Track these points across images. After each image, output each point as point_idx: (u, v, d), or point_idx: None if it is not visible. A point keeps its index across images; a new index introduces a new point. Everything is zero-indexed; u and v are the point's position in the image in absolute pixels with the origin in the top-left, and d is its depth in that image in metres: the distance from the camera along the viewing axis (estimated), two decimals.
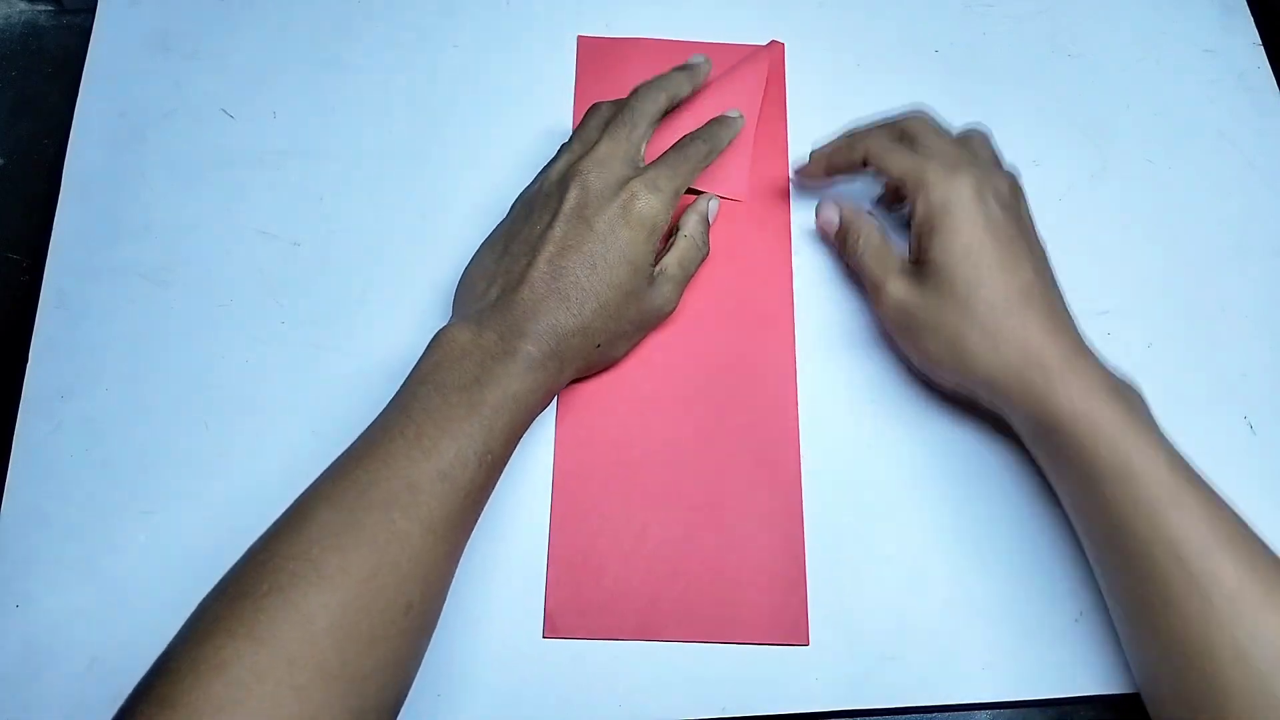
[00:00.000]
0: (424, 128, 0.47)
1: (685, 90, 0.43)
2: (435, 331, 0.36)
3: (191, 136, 0.46)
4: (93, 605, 0.38)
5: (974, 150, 0.41)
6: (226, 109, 0.47)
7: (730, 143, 0.43)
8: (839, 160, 0.43)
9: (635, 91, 0.42)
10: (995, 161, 0.42)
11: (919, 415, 0.43)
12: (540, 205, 0.39)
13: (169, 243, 0.44)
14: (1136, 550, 0.34)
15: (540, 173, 0.42)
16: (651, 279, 0.39)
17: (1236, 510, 0.34)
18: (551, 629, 0.38)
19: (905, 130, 0.42)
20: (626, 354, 0.42)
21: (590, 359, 0.39)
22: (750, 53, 0.48)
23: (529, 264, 0.37)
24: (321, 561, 0.29)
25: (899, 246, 0.42)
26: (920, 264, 0.39)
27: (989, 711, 0.39)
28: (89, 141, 0.46)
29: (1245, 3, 0.53)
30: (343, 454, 0.33)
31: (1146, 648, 0.35)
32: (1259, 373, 0.44)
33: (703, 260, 0.42)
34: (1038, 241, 0.40)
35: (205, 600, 0.30)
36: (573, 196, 0.38)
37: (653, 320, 0.41)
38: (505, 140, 0.47)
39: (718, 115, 0.44)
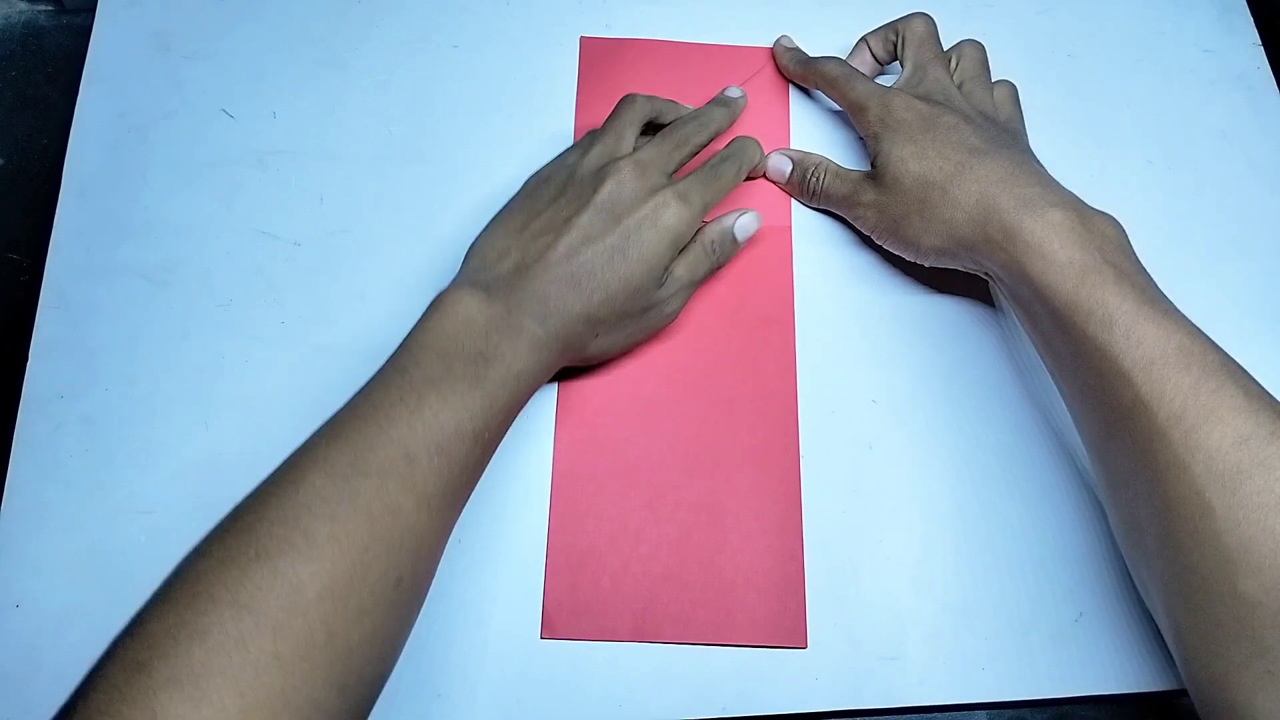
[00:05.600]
0: (425, 128, 0.47)
1: (725, 127, 0.45)
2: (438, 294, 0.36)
3: (191, 136, 0.46)
4: (93, 605, 0.38)
5: (958, 57, 0.45)
6: (226, 109, 0.47)
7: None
8: (804, 75, 0.48)
9: (691, 120, 0.43)
10: (979, 73, 0.45)
11: (919, 416, 0.43)
12: (572, 191, 0.39)
13: (169, 243, 0.44)
14: (1094, 382, 0.34)
15: (566, 155, 0.42)
16: (660, 280, 0.39)
17: (1202, 334, 0.34)
18: (549, 629, 0.38)
19: (894, 33, 0.46)
20: (619, 355, 0.42)
21: (587, 349, 0.39)
22: (768, 65, 0.49)
23: (549, 245, 0.37)
24: (312, 529, 0.28)
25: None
26: (875, 168, 0.42)
27: (988, 711, 0.39)
28: (89, 141, 0.46)
29: (1245, 3, 0.53)
30: (339, 411, 0.33)
31: (1111, 485, 0.36)
32: (1259, 372, 0.44)
33: (712, 271, 0.42)
34: (992, 123, 0.42)
35: (186, 562, 0.29)
36: (607, 190, 0.38)
37: (653, 323, 0.41)
38: (506, 141, 0.47)
39: (748, 136, 0.45)
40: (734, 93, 0.46)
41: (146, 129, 0.46)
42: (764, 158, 0.46)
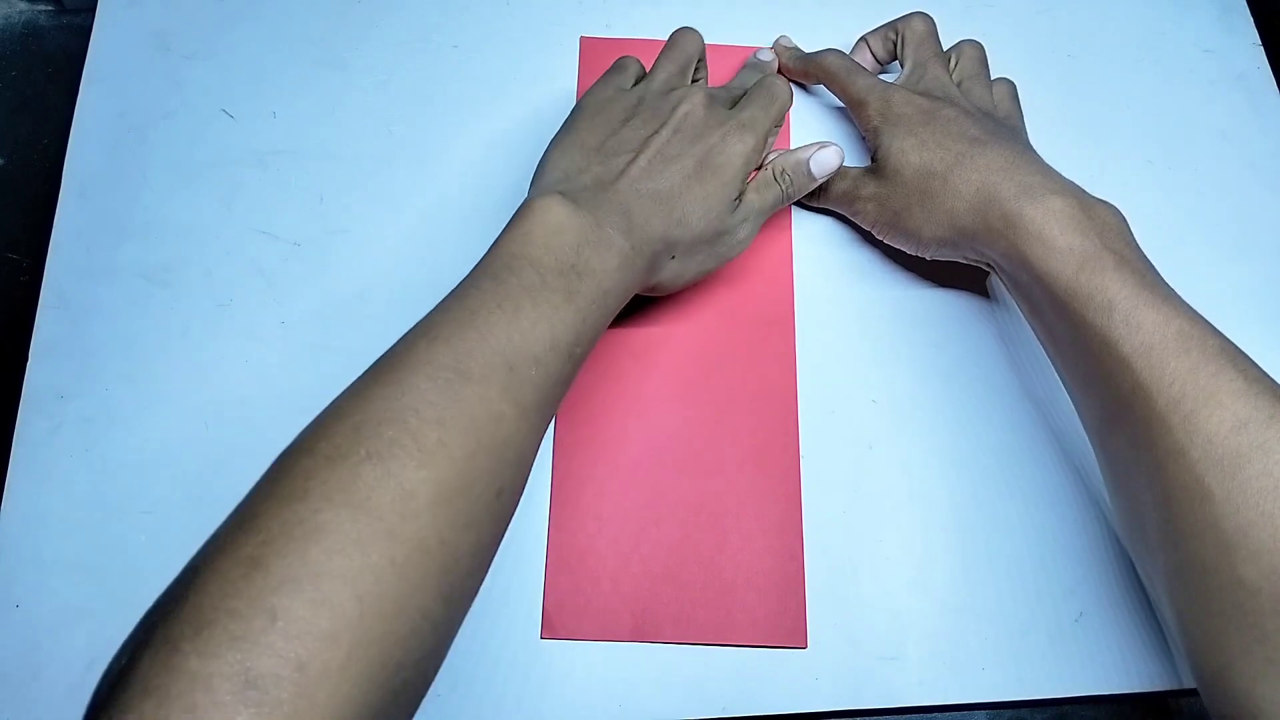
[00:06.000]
0: (425, 128, 0.47)
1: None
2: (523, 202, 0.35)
3: (191, 136, 0.46)
4: (93, 605, 0.38)
5: (957, 55, 0.45)
6: (226, 109, 0.47)
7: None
8: (805, 71, 0.48)
9: (741, 76, 0.46)
10: (978, 71, 0.45)
11: (919, 416, 0.43)
12: (647, 112, 0.40)
13: (169, 243, 0.44)
14: (1094, 370, 0.35)
15: (618, 78, 0.42)
16: (733, 204, 0.39)
17: (1203, 319, 0.34)
18: (549, 629, 0.38)
19: (894, 32, 0.47)
20: (691, 280, 0.41)
21: (661, 273, 0.39)
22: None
23: (630, 162, 0.37)
24: (420, 433, 0.28)
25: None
26: (876, 161, 0.43)
27: (988, 711, 0.39)
28: (89, 141, 0.46)
29: (1245, 3, 0.53)
30: (432, 313, 0.32)
31: (1113, 474, 0.36)
32: None
33: (782, 201, 0.42)
34: (991, 118, 0.42)
35: (289, 457, 0.28)
36: (682, 111, 0.39)
37: (724, 250, 0.40)
38: (506, 141, 0.47)
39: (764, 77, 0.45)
40: (765, 55, 0.48)
41: (146, 129, 0.46)
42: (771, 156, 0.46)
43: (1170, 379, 0.32)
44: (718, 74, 0.48)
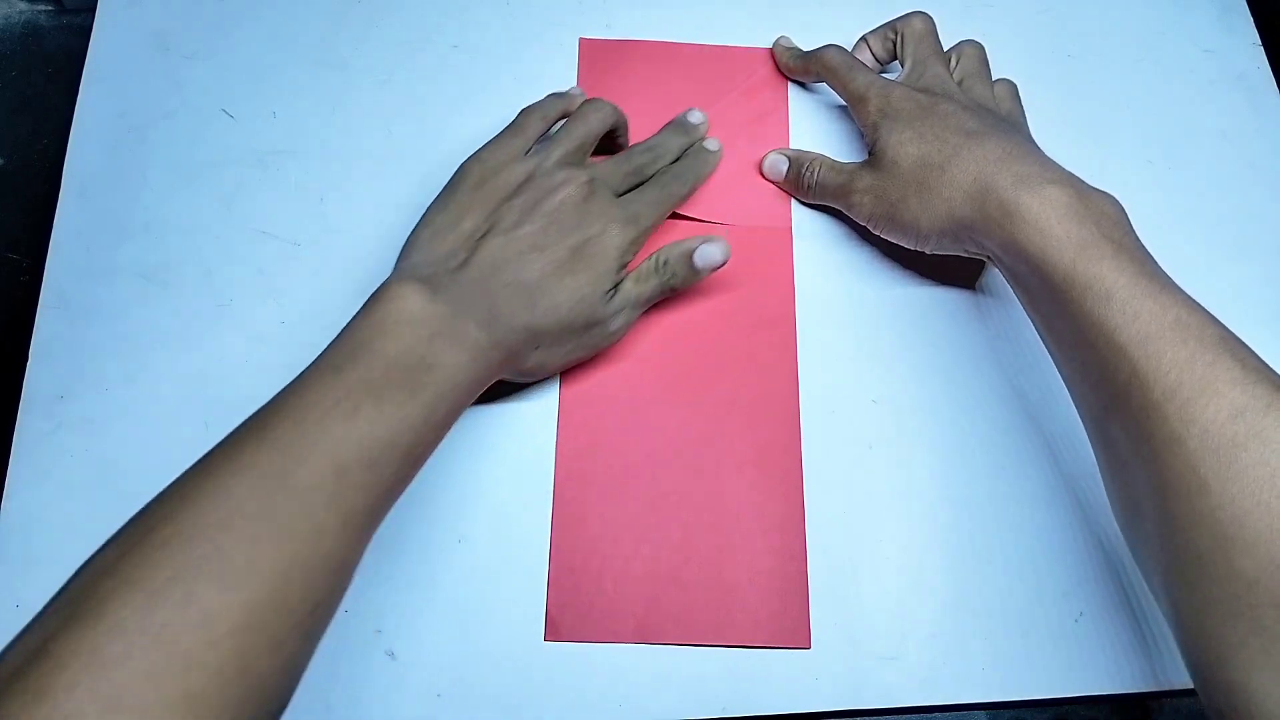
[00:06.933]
0: (424, 128, 0.47)
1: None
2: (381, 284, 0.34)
3: (191, 136, 0.46)
4: None
5: (958, 55, 0.45)
6: (226, 109, 0.47)
7: (711, 170, 0.45)
8: (805, 68, 0.48)
9: (647, 150, 0.43)
10: (979, 70, 0.45)
11: (921, 416, 0.43)
12: (526, 196, 0.38)
13: (169, 243, 0.44)
14: (1092, 359, 0.34)
15: (507, 141, 0.41)
16: (606, 296, 0.39)
17: (1201, 308, 0.34)
18: (553, 632, 0.38)
19: (894, 32, 0.47)
20: (558, 370, 0.41)
21: (525, 362, 0.38)
22: (767, 65, 0.49)
23: (499, 248, 0.36)
24: (231, 551, 0.27)
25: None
26: (873, 155, 0.42)
27: (988, 711, 0.39)
28: (89, 141, 0.46)
29: (1245, 3, 0.53)
30: (266, 408, 0.31)
31: (1110, 465, 0.35)
32: None
33: (662, 292, 0.41)
34: (992, 114, 0.42)
35: (91, 574, 0.26)
36: (560, 198, 0.38)
37: (596, 341, 0.40)
38: None
39: (697, 146, 0.45)
40: (695, 118, 0.46)
41: (146, 129, 0.46)
42: (768, 156, 0.46)
43: (1167, 368, 0.32)
44: (718, 74, 0.48)
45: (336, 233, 0.45)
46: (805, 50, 0.48)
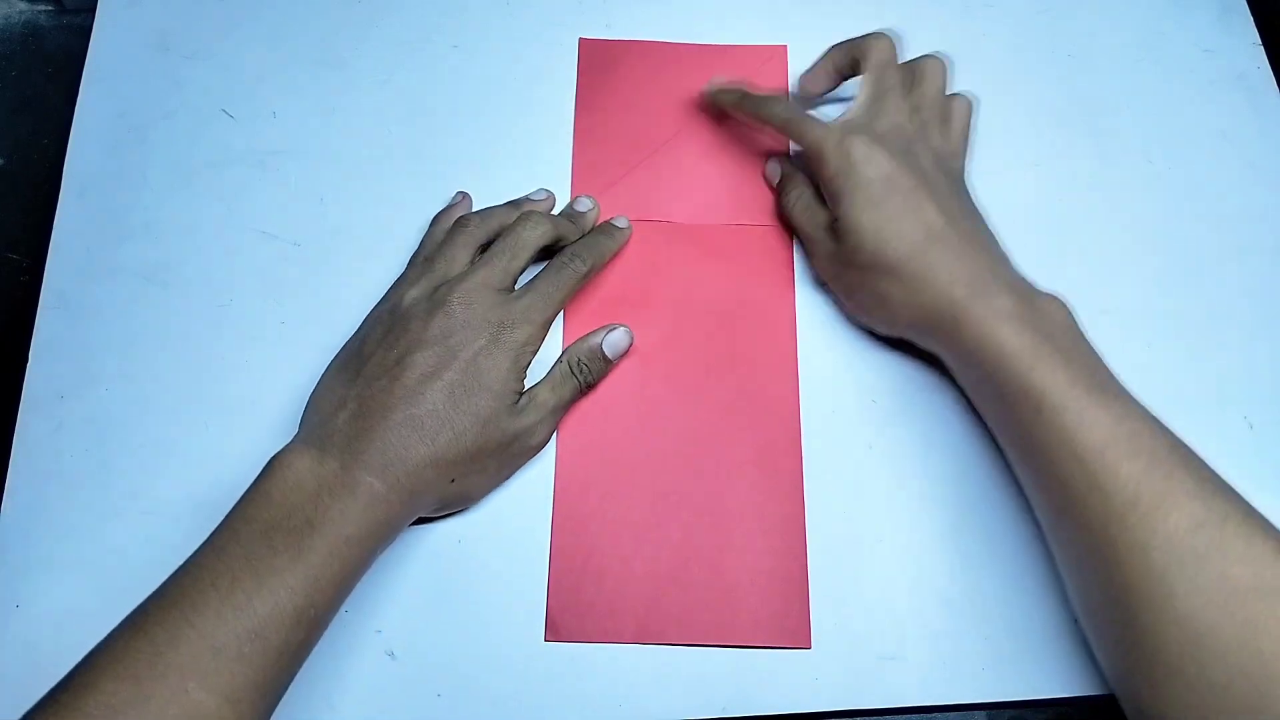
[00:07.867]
0: (424, 128, 0.47)
1: (572, 237, 0.43)
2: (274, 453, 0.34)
3: (191, 136, 0.46)
4: (93, 605, 0.38)
5: (918, 78, 0.43)
6: (226, 109, 0.47)
7: (619, 247, 0.44)
8: (754, 115, 0.45)
9: (522, 219, 0.41)
10: (935, 107, 0.43)
11: (921, 416, 0.43)
12: (400, 328, 0.37)
13: (169, 243, 0.44)
14: (1045, 467, 0.35)
15: (394, 289, 0.40)
16: (516, 407, 0.37)
17: (1152, 417, 0.34)
18: (553, 632, 0.38)
19: (858, 52, 0.44)
20: (488, 492, 0.40)
21: (445, 495, 0.37)
22: (767, 65, 0.49)
23: (384, 389, 0.35)
24: None
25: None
26: (838, 222, 0.41)
27: (988, 711, 0.39)
28: (89, 141, 0.46)
29: (1245, 3, 0.53)
30: (149, 597, 0.31)
31: (1067, 563, 0.36)
32: (1259, 372, 0.44)
33: (582, 392, 0.41)
34: (946, 175, 0.41)
35: None
36: (437, 324, 0.37)
37: (517, 452, 0.38)
38: (506, 142, 0.47)
39: (604, 223, 0.44)
40: (583, 205, 0.44)
41: (146, 129, 0.46)
42: (770, 162, 0.46)
43: (1124, 480, 0.32)
44: (715, 74, 0.48)
45: (336, 233, 0.45)
46: (749, 94, 0.45)
